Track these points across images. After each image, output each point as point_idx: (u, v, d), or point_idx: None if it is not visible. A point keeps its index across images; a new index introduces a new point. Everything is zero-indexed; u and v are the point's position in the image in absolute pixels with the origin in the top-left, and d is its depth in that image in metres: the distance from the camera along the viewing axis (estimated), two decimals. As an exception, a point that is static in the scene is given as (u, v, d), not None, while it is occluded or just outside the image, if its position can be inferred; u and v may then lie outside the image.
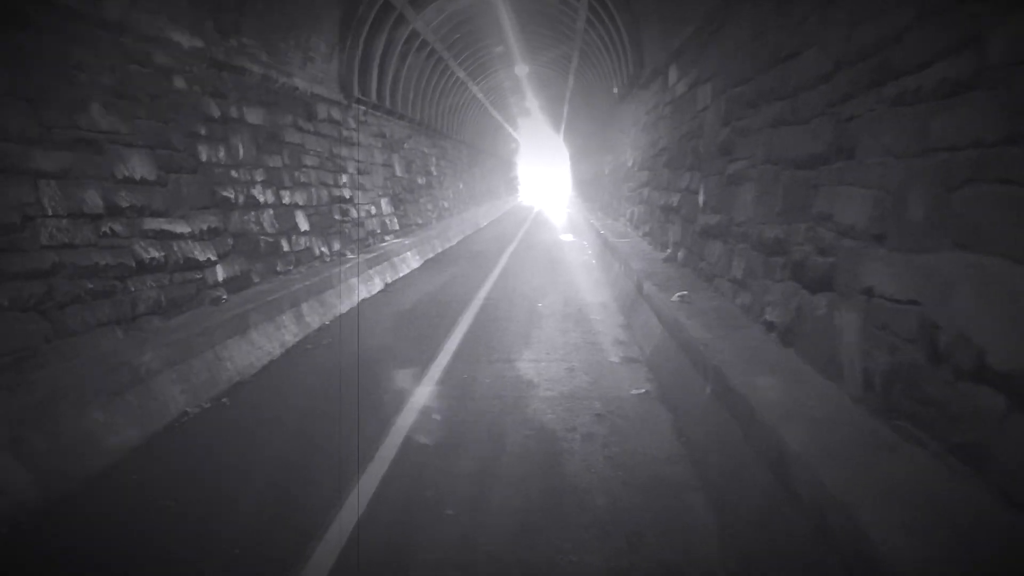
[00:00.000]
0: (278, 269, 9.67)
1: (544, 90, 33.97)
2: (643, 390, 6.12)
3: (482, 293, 11.61)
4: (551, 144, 59.72)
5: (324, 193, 12.10)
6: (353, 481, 4.48)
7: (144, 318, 6.53)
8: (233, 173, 8.76)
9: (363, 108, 15.10)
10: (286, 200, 10.35)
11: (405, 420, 5.61)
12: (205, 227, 7.85)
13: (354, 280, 11.59)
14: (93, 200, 6.02)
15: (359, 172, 14.38)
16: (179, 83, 7.74)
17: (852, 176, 4.37)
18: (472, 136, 33.29)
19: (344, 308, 10.38)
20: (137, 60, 6.96)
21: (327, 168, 12.43)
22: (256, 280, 8.95)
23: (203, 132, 8.14)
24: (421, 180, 20.88)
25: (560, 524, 3.90)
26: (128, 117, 6.71)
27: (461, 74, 24.30)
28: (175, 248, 7.16)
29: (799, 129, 5.22)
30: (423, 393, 6.25)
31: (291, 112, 11.07)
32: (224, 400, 6.29)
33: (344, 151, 13.55)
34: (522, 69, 29.45)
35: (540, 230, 25.89)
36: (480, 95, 30.13)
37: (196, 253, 7.54)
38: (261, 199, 9.43)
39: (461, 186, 29.35)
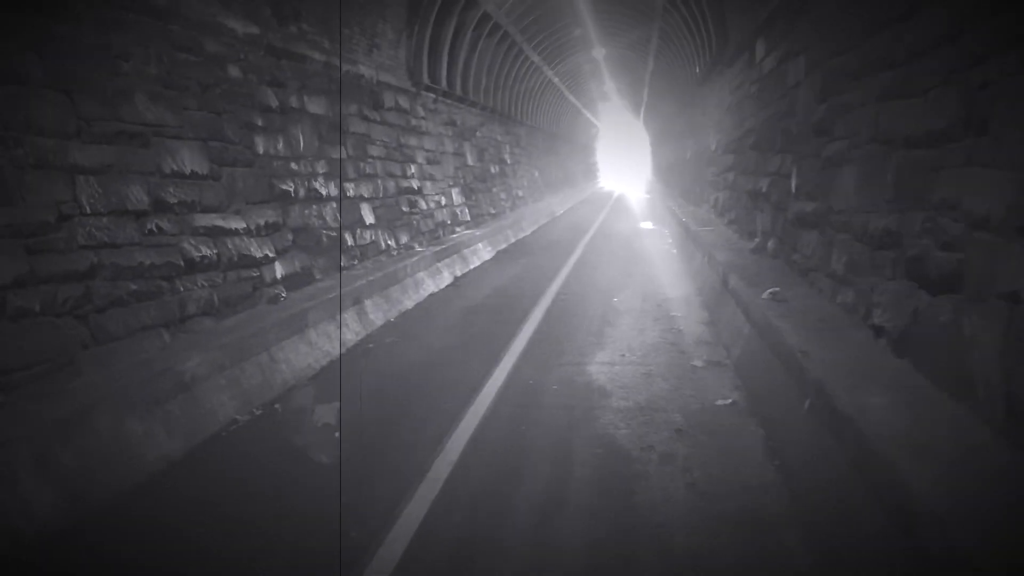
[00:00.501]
0: (343, 264, 9.33)
1: (623, 74, 33.03)
2: (730, 400, 5.45)
3: (554, 287, 11.04)
4: (631, 129, 58.52)
5: (391, 184, 11.73)
6: (406, 500, 4.01)
7: (194, 319, 6.22)
8: (293, 165, 8.43)
9: (432, 96, 14.69)
10: (350, 192, 10.00)
11: (462, 435, 5.10)
12: (262, 222, 7.52)
13: (421, 274, 11.19)
14: (137, 196, 5.72)
15: (428, 162, 13.99)
16: (233, 72, 7.42)
17: (986, 155, 3.61)
18: (548, 122, 32.65)
19: (410, 304, 9.98)
20: (187, 48, 6.65)
21: (394, 158, 12.05)
22: (318, 276, 8.61)
23: (260, 123, 7.82)
24: (494, 169, 20.41)
25: (633, 572, 3.32)
26: (177, 108, 6.40)
27: (535, 58, 23.69)
28: (229, 245, 6.84)
29: (914, 102, 4.44)
30: (484, 401, 5.73)
31: (356, 101, 10.71)
32: (277, 406, 5.92)
33: (412, 140, 13.16)
34: (599, 52, 28.64)
35: (618, 218, 25.10)
36: (556, 80, 29.46)
37: (252, 250, 7.22)
38: (323, 192, 9.08)
39: (536, 174, 28.78)
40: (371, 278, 9.20)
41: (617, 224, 22.65)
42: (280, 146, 8.20)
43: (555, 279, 11.83)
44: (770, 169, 8.65)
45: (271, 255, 7.56)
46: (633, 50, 27.26)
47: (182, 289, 6.10)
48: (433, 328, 8.63)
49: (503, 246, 17.21)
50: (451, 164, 15.70)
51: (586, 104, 41.80)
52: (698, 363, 6.49)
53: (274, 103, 8.18)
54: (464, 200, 16.47)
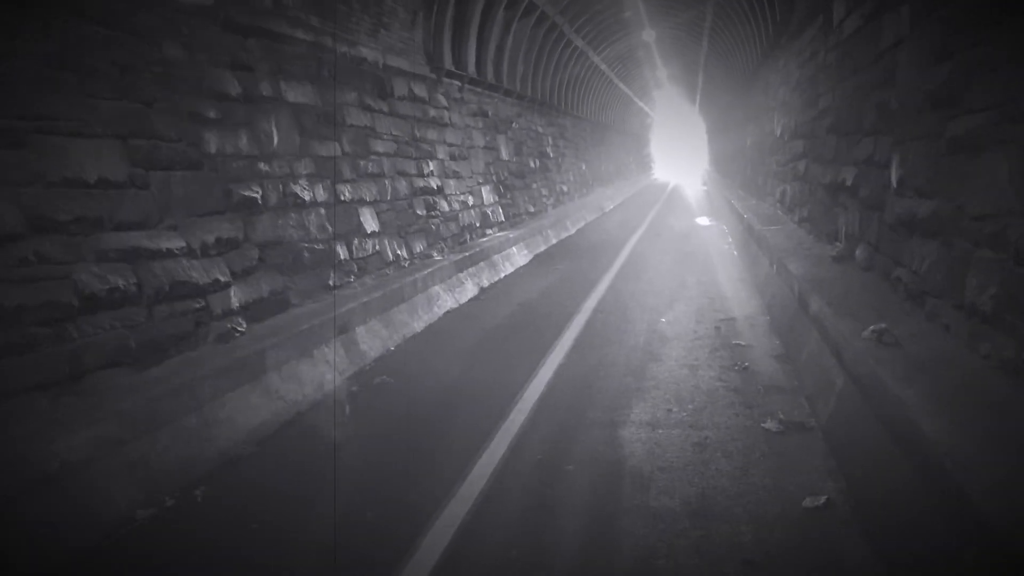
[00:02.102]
0: (331, 283, 7.80)
1: (676, 58, 30.97)
2: (822, 500, 3.70)
3: (592, 301, 9.33)
4: (686, 117, 56.15)
5: (402, 185, 10.17)
6: None
7: (98, 374, 4.73)
8: (262, 166, 6.92)
9: (457, 83, 13.09)
10: (346, 196, 8.46)
11: (432, 551, 3.49)
12: (212, 238, 6.02)
13: (437, 288, 9.61)
14: (4, 215, 4.25)
15: (452, 158, 12.39)
16: (172, 51, 5.91)
17: None
18: (596, 111, 30.81)
19: (419, 326, 8.41)
20: (98, 18, 5.16)
21: (407, 155, 10.49)
22: (294, 301, 7.09)
23: (212, 115, 6.31)
24: (533, 163, 18.73)
25: None
26: (78, 96, 4.92)
27: (579, 42, 21.92)
28: (157, 270, 5.34)
29: None
30: (468, 496, 4.08)
31: (355, 89, 9.16)
32: (198, 491, 4.40)
33: (432, 133, 11.58)
34: (650, 34, 26.68)
35: (672, 213, 23.16)
36: (603, 66, 27.61)
37: (195, 274, 5.71)
38: (306, 196, 7.56)
39: (583, 167, 26.99)
40: (366, 299, 7.65)
41: (670, 220, 20.73)
42: (243, 143, 6.69)
43: (594, 290, 10.13)
44: (857, 156, 6.80)
45: (224, 279, 6.05)
46: (686, 31, 25.24)
47: (76, 336, 4.60)
48: (437, 360, 7.04)
49: (542, 248, 15.55)
50: (481, 159, 14.08)
51: (638, 92, 39.75)
52: (772, 425, 4.72)
53: (235, 90, 6.67)
54: (497, 199, 14.84)
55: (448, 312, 9.31)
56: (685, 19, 24.17)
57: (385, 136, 9.83)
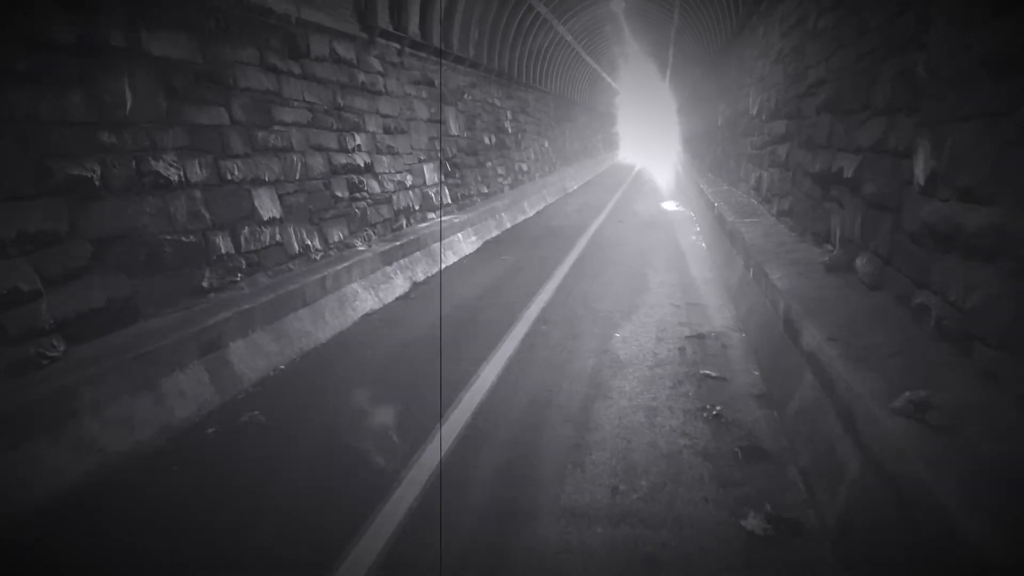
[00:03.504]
0: (205, 284, 6.25)
1: (645, 31, 29.48)
2: None
3: (536, 306, 7.89)
4: (655, 93, 54.72)
5: (318, 161, 8.60)
6: None
7: None
8: (104, 136, 5.33)
9: (396, 46, 11.48)
10: (234, 174, 6.89)
11: None
12: (11, 233, 4.46)
13: (355, 286, 8.11)
14: None
15: (386, 131, 10.82)
16: (-50, -25, 4.32)
17: None
18: (562, 86, 29.24)
19: (324, 336, 6.92)
20: None
21: (326, 126, 8.91)
22: (147, 311, 5.55)
23: (22, 67, 4.72)
24: (488, 139, 17.18)
25: None
26: None
27: (542, 9, 20.31)
28: (-99, 282, 3.79)
29: None
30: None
31: (255, 44, 7.56)
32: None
33: (360, 102, 10.00)
34: (618, 4, 25.17)
35: (637, 196, 21.77)
36: (569, 37, 26.02)
37: (-29, 283, 4.17)
38: (173, 176, 5.99)
39: (546, 144, 25.47)
40: (249, 305, 6.14)
41: (636, 204, 19.34)
42: (74, 106, 5.10)
43: (543, 289, 8.70)
44: (861, 141, 5.41)
45: (28, 288, 4.50)
46: (656, 3, 23.75)
47: None
48: (332, 386, 5.56)
49: (493, 234, 14.08)
50: (424, 134, 12.51)
51: (606, 67, 38.22)
52: (755, 524, 3.32)
53: (64, 36, 5.07)
54: (443, 178, 13.30)
55: (366, 316, 7.82)
56: (656, -11, 22.69)
57: (296, 103, 8.25)
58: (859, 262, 5.31)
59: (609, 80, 42.99)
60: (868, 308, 4.60)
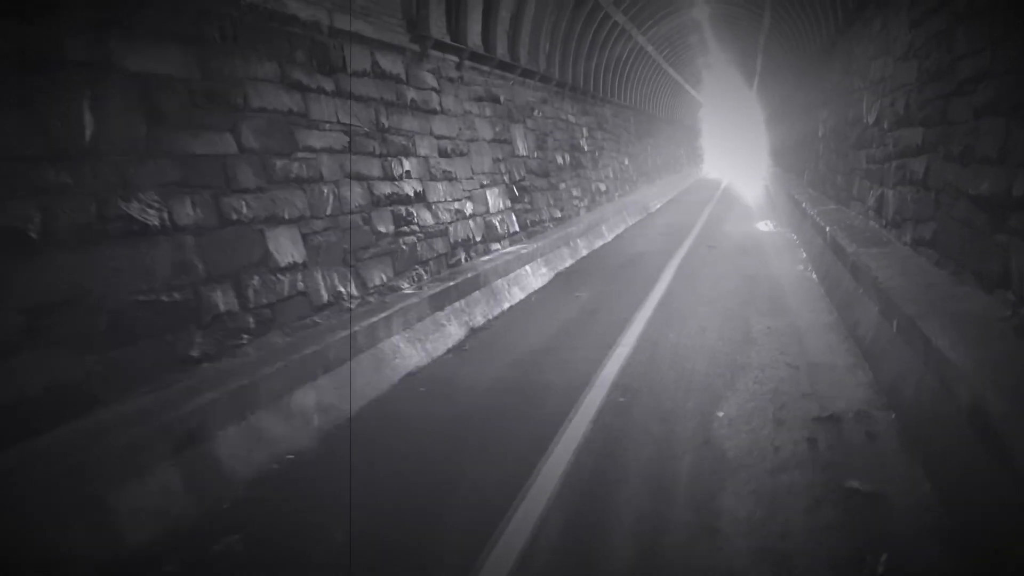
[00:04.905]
0: (194, 353, 5.02)
1: (731, 37, 27.67)
2: None
3: (613, 363, 6.40)
4: (741, 103, 52.39)
5: (356, 192, 7.37)
6: None
7: None
8: (49, 172, 4.16)
9: (453, 59, 10.24)
10: (240, 213, 5.68)
11: None
12: None
13: (397, 339, 6.80)
14: None
15: (442, 154, 9.56)
16: None
17: None
18: (642, 100, 27.65)
19: (327, 421, 5.57)
20: None
21: (366, 150, 7.69)
22: (106, 396, 4.33)
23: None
24: (562, 159, 15.78)
25: None
26: None
27: (620, 18, 18.86)
28: None
29: None
30: None
31: (273, 57, 6.40)
32: None
33: (410, 122, 8.76)
34: (702, 11, 23.54)
35: (727, 215, 19.95)
36: (650, 48, 24.47)
37: None
38: (152, 220, 4.80)
39: (626, 162, 23.92)
40: (245, 381, 4.88)
41: (726, 224, 17.57)
42: (5, 133, 3.95)
43: (620, 339, 7.20)
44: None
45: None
46: (744, 5, 21.99)
47: None
48: (343, 493, 4.21)
49: (567, 264, 12.65)
50: (487, 155, 11.22)
51: (689, 78, 36.38)
52: None
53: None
54: (509, 204, 11.96)
55: (409, 376, 6.50)
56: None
57: (327, 125, 7.04)
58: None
59: (692, 92, 41.09)
60: None
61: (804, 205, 13.85)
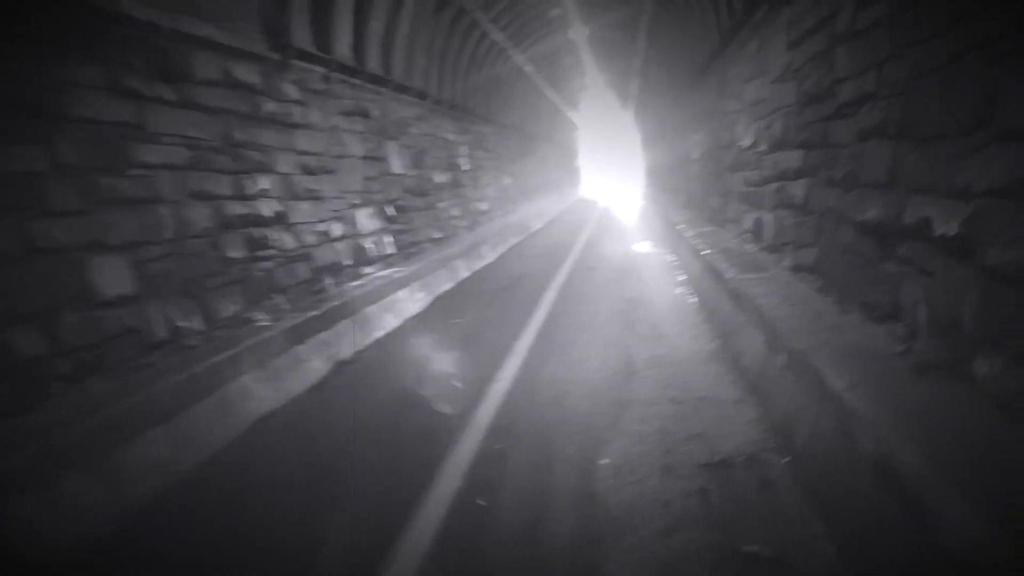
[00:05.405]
0: (-17, 411, 4.17)
1: (609, 59, 28.04)
2: None
3: (491, 402, 5.90)
4: (619, 126, 53.54)
5: (202, 213, 6.58)
6: None
7: None
8: None
9: (320, 71, 9.55)
10: (53, 240, 4.84)
11: None
12: None
13: (243, 381, 6.05)
14: None
15: (307, 171, 8.84)
16: None
17: None
18: (523, 120, 27.58)
19: (157, 484, 4.83)
20: None
21: (215, 167, 6.91)
22: None
23: None
24: (441, 177, 15.27)
25: None
26: None
27: (498, 36, 18.60)
28: None
29: None
30: None
31: (99, 61, 5.56)
32: None
33: (269, 137, 8.02)
34: (579, 31, 23.65)
35: (607, 236, 19.97)
36: (528, 68, 24.38)
37: None
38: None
39: (507, 181, 23.68)
40: (53, 442, 4.06)
41: (606, 245, 17.52)
42: None
43: (499, 373, 6.72)
44: (974, 181, 3.55)
45: None
46: (620, 29, 22.25)
47: None
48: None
49: (446, 287, 12.10)
50: (358, 173, 10.55)
51: (567, 99, 36.75)
52: None
53: None
54: (383, 225, 11.32)
55: (259, 422, 5.78)
56: (619, 16, 21.16)
57: (168, 138, 6.24)
58: (983, 366, 3.41)
59: (571, 113, 41.59)
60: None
61: (680, 226, 13.89)
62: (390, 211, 11.71)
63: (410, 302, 10.40)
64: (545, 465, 4.54)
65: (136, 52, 5.99)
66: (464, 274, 13.54)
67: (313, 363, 7.14)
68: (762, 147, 8.80)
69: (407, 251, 12.24)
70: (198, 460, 4.99)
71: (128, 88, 5.84)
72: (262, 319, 7.10)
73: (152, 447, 4.77)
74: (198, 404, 5.43)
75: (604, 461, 4.52)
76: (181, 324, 6.00)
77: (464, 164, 17.76)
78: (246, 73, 7.66)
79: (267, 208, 7.70)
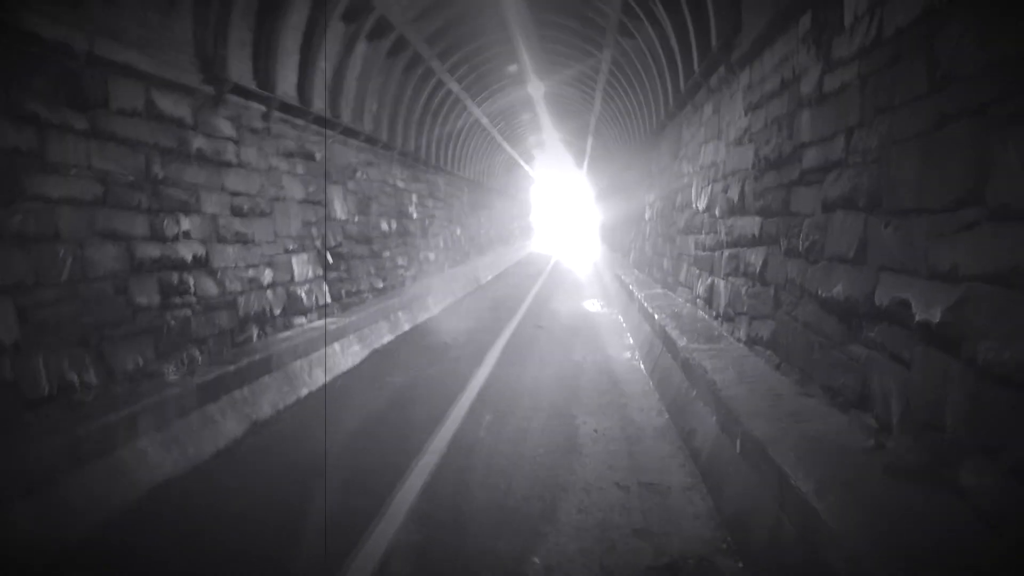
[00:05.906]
0: None
1: (564, 117, 28.09)
2: None
3: (416, 478, 5.30)
4: (573, 183, 53.89)
5: (108, 254, 5.94)
6: None
7: None
8: None
9: (260, 108, 9.02)
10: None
11: None
12: None
13: (140, 445, 5.36)
14: None
15: (237, 213, 8.24)
16: None
17: None
18: (477, 172, 27.34)
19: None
20: None
21: (129, 204, 6.28)
22: None
23: None
24: (388, 225, 14.74)
25: None
26: None
27: (454, 87, 18.35)
28: None
29: None
30: None
31: (-7, 79, 4.97)
32: None
33: (195, 174, 7.42)
34: (536, 88, 23.60)
35: (556, 292, 19.59)
36: (485, 120, 24.22)
37: None
38: None
39: (458, 232, 23.25)
40: None
41: (555, 301, 17.12)
42: None
43: (429, 444, 6.12)
44: (962, 262, 3.18)
45: None
46: (576, 87, 22.25)
47: None
48: None
49: (385, 340, 11.51)
50: (296, 217, 9.97)
51: (522, 154, 36.77)
52: None
53: None
54: (320, 272, 10.71)
55: (155, 491, 5.09)
56: (575, 73, 21.17)
57: (73, 170, 5.62)
58: (971, 477, 2.98)
59: (526, 167, 41.64)
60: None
61: (631, 287, 13.56)
62: (330, 258, 11.12)
63: (344, 356, 9.77)
64: (467, 565, 3.95)
65: (40, 74, 5.40)
66: (406, 327, 12.96)
67: (226, 424, 6.46)
68: (717, 211, 8.51)
69: (344, 301, 11.63)
70: (77, 535, 4.28)
71: (28, 113, 5.23)
72: (172, 374, 6.42)
73: (19, 523, 4.06)
74: (80, 471, 4.73)
75: (537, 560, 3.96)
76: (71, 378, 5.31)
77: (414, 212, 17.28)
78: (173, 105, 7.10)
79: (187, 251, 7.08)
